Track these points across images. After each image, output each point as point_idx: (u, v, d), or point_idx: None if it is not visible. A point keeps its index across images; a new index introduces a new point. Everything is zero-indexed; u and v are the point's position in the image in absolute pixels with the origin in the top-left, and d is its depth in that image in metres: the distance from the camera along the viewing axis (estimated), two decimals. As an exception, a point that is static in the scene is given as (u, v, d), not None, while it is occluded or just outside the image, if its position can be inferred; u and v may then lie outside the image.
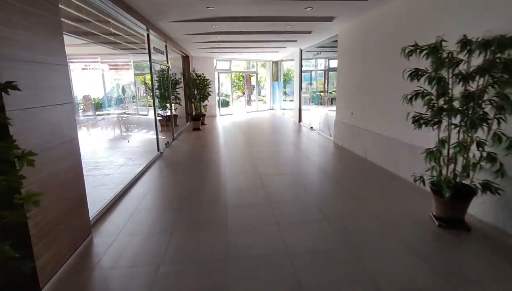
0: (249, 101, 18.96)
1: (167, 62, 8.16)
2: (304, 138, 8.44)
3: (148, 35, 6.26)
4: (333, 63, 12.31)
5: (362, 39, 6.11)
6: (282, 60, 15.89)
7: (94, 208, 3.44)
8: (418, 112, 3.20)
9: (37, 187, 2.17)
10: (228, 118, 13.60)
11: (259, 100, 17.30)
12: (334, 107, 8.22)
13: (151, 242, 2.96)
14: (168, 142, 7.81)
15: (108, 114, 9.48)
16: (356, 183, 4.63)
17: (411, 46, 3.10)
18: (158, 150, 6.77)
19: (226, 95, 20.11)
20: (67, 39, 2.83)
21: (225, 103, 19.46)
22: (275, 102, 16.66)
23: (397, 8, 4.84)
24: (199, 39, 8.53)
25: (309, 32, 7.76)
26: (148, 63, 6.38)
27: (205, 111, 11.43)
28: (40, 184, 2.25)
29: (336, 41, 7.86)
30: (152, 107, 6.80)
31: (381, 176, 4.90)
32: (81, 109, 11.59)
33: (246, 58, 15.76)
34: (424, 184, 3.28)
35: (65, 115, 2.65)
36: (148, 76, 10.41)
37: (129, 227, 3.27)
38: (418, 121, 3.18)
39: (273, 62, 16.50)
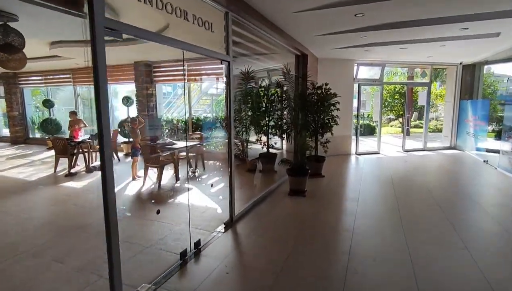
0: (408, 131, 12.16)
1: (228, 53, 3.55)
2: None
3: None
4: None
5: None
6: (487, 61, 8.57)
7: None
8: None
9: None
10: (372, 163, 7.73)
11: (430, 131, 10.33)
12: None
13: None
14: (198, 244, 3.15)
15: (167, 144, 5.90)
16: None
17: None
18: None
19: (371, 120, 13.93)
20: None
21: (369, 130, 13.39)
22: (462, 137, 9.34)
23: None
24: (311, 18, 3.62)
25: None
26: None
27: (326, 150, 6.18)
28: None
29: None
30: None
31: None
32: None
33: (410, 61, 9.43)
34: None
35: None
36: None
37: None
38: None
39: (463, 66, 9.35)
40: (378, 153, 9.06)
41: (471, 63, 9.05)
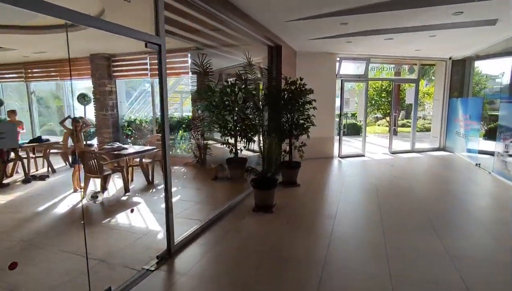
0: (395, 131, 11.52)
1: (159, 33, 2.69)
2: None
3: None
4: None
5: None
6: (478, 56, 7.94)
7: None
8: None
9: None
10: (355, 168, 6.99)
11: (417, 130, 9.64)
12: None
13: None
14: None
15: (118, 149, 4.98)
16: None
17: None
18: None
19: (356, 119, 13.26)
20: None
21: (355, 130, 12.71)
22: (452, 137, 8.71)
23: None
24: None
25: None
26: None
27: (301, 155, 5.36)
28: None
29: None
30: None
31: None
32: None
33: (397, 56, 8.72)
34: None
35: None
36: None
37: None
38: None
39: (453, 61, 8.73)
40: (363, 155, 8.32)
41: (461, 58, 8.41)
